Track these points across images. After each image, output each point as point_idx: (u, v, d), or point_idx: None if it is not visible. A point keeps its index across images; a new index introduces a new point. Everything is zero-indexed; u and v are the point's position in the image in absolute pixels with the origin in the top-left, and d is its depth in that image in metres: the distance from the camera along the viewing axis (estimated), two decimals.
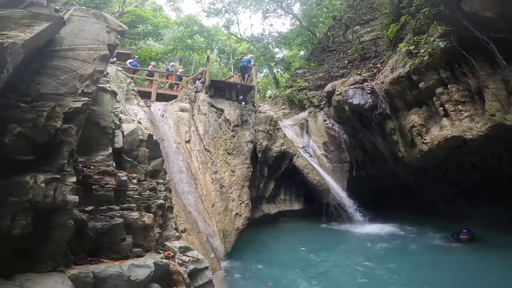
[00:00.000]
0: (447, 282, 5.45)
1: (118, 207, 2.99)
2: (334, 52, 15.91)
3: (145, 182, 3.73)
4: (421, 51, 7.42)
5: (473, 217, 8.10)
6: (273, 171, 10.73)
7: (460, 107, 7.08)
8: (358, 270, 6.23)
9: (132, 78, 11.23)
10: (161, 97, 12.10)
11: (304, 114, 13.06)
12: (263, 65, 26.07)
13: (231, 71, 22.85)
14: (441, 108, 7.49)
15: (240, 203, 8.24)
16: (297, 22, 22.49)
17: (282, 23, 48.12)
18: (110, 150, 3.34)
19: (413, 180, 9.95)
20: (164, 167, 4.47)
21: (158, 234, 3.35)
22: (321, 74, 14.63)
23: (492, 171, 7.37)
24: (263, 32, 26.82)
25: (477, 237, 7.42)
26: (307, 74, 15.63)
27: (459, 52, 6.63)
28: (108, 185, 3.05)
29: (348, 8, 16.65)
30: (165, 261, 3.00)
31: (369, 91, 9.31)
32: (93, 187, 2.91)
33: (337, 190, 10.62)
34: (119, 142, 3.69)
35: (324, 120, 12.16)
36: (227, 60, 24.92)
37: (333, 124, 11.73)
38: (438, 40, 6.91)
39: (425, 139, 7.92)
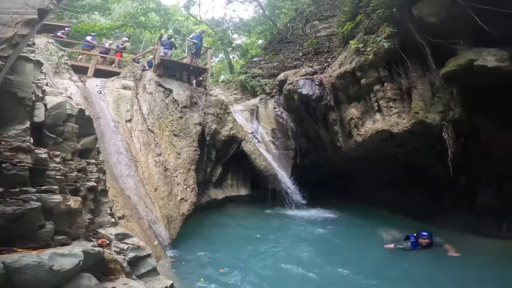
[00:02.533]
0: (368, 260, 6.02)
1: (34, 189, 2.53)
2: (291, 44, 16.30)
3: (72, 162, 3.23)
4: (368, 49, 7.88)
5: (399, 205, 9.03)
6: (221, 155, 10.54)
7: (391, 104, 7.76)
8: (301, 252, 6.56)
9: (64, 51, 9.95)
10: (100, 74, 10.94)
11: (255, 101, 13.11)
12: (219, 49, 25.44)
13: (184, 53, 21.74)
14: (376, 104, 8.14)
15: (186, 188, 7.89)
16: (261, 11, 22.55)
17: (245, 9, 47.10)
18: (28, 124, 2.86)
19: (349, 169, 10.76)
20: (97, 146, 3.96)
21: (88, 220, 2.94)
22: (275, 64, 14.90)
23: (411, 164, 8.29)
24: (224, 16, 26.25)
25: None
26: (262, 62, 15.81)
27: (399, 53, 7.18)
28: (22, 164, 2.54)
29: (312, 2, 17.18)
30: (97, 249, 2.66)
31: (317, 83, 9.77)
32: (3, 165, 2.40)
33: (283, 176, 10.93)
34: (40, 115, 3.18)
35: (274, 108, 12.36)
36: (182, 42, 23.53)
37: (282, 112, 12.01)
38: (384, 40, 7.40)
39: (360, 131, 8.58)
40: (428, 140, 7.24)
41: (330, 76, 9.65)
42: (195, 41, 11.80)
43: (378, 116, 8.16)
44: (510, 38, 5.04)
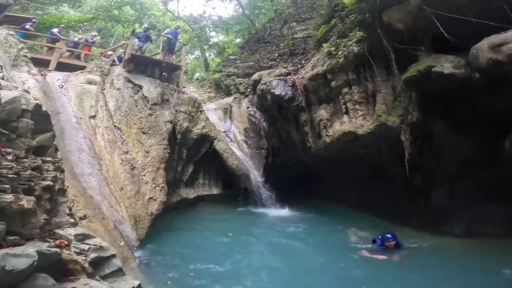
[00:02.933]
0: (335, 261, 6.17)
1: None
2: (268, 44, 16.49)
3: (26, 160, 3.08)
4: (339, 53, 8.14)
5: (364, 204, 9.53)
6: (192, 154, 10.42)
7: (357, 106, 8.11)
8: (274, 251, 6.71)
9: (25, 44, 9.47)
10: (65, 68, 10.36)
11: (229, 100, 13.07)
12: (195, 47, 25.03)
13: (158, 48, 21.13)
14: (344, 106, 8.46)
15: (155, 187, 7.72)
16: (240, 10, 22.43)
17: (225, 7, 46.40)
18: None
19: (318, 169, 11.12)
20: (55, 143, 3.78)
21: (44, 221, 2.83)
22: (251, 63, 14.99)
23: (374, 164, 8.75)
24: (203, 13, 25.32)
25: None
26: (238, 61, 15.81)
27: (367, 58, 7.51)
28: None
29: (291, 4, 17.49)
30: (53, 249, 2.60)
31: (290, 84, 9.99)
32: None
33: (255, 175, 11.02)
34: None
35: (248, 107, 12.42)
36: (157, 37, 22.88)
37: (255, 112, 12.10)
38: (354, 45, 7.67)
39: (328, 132, 8.88)
40: (388, 141, 7.63)
41: (302, 77, 9.89)
42: (170, 36, 11.50)
43: (345, 118, 8.49)
44: (468, 45, 5.32)
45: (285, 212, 10.32)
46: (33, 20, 12.39)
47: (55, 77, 8.85)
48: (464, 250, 6.37)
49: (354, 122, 8.16)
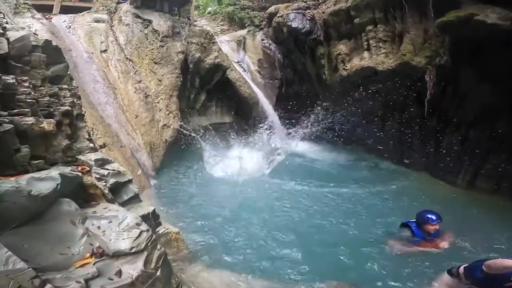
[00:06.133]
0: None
1: (6, 113, 2.53)
2: None
3: (42, 88, 3.15)
4: None
5: (374, 143, 9.46)
6: (205, 83, 10.34)
7: (381, 44, 7.99)
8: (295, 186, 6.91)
9: None
10: (68, 10, 9.86)
11: (243, 32, 12.59)
12: None
13: None
14: (366, 43, 8.33)
15: (168, 113, 7.92)
16: None
17: None
18: None
19: (331, 103, 10.91)
20: (69, 73, 3.79)
21: (66, 145, 3.03)
22: None
23: (389, 102, 8.54)
24: None
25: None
26: None
27: None
28: None
29: None
30: (75, 173, 2.79)
31: (309, 18, 9.87)
32: None
33: (266, 104, 11.04)
34: (3, 48, 3.00)
35: (262, 40, 12.12)
36: None
37: (270, 44, 11.84)
38: None
39: (346, 66, 8.89)
40: (409, 80, 7.49)
41: (323, 12, 9.53)
42: None
43: (366, 54, 8.37)
44: None
45: (296, 144, 10.35)
46: None
47: (60, 20, 8.76)
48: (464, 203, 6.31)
49: (375, 58, 8.02)
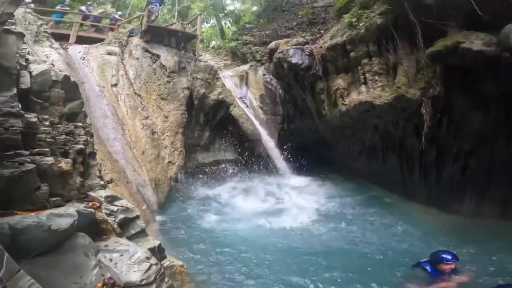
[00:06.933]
0: None
1: (27, 152, 2.69)
2: (286, 13, 15.93)
3: (60, 126, 3.36)
4: (360, 24, 8.03)
5: (375, 174, 9.62)
6: (209, 120, 10.70)
7: (376, 77, 8.14)
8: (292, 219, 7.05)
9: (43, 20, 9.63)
10: (83, 41, 10.70)
11: (245, 67, 13.14)
12: (211, 15, 24.16)
13: (174, 18, 20.63)
14: (363, 77, 8.48)
15: (173, 151, 8.13)
16: None
17: None
18: (15, 91, 2.89)
19: (331, 137, 11.21)
20: (84, 109, 4.05)
21: (79, 183, 3.17)
22: (268, 32, 14.71)
23: (388, 135, 8.74)
24: None
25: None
26: (254, 30, 15.57)
27: (389, 30, 7.37)
28: (14, 128, 2.67)
29: None
30: (89, 209, 2.91)
31: (307, 53, 10.16)
32: None
33: (268, 141, 11.29)
34: (25, 82, 3.21)
35: (264, 75, 12.53)
36: (172, 7, 21.95)
37: (271, 79, 12.18)
38: (377, 16, 7.56)
39: (345, 101, 9.01)
40: (406, 113, 7.64)
41: (321, 47, 9.88)
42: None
43: (363, 88, 8.51)
44: (501, 24, 5.11)
45: (297, 181, 10.53)
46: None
47: (76, 50, 9.34)
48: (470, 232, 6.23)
49: (372, 92, 8.15)
